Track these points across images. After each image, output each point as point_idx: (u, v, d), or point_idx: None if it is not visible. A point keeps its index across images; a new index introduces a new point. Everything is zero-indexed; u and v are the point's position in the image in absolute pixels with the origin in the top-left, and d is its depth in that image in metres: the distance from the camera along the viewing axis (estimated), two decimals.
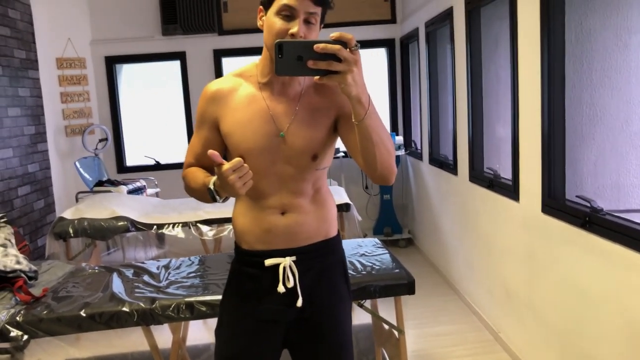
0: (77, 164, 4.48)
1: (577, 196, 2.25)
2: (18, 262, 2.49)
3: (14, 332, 2.17)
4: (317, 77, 1.16)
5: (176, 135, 5.37)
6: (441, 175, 4.12)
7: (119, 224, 3.48)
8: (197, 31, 5.09)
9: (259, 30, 1.38)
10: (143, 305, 2.27)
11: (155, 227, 3.52)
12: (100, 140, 4.90)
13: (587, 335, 2.16)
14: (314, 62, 1.13)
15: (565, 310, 2.32)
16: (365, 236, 4.79)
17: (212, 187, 1.32)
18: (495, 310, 3.16)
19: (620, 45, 2.16)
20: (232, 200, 1.60)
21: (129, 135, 5.43)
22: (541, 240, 2.51)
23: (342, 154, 5.04)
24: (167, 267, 2.75)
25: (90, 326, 2.24)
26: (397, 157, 5.06)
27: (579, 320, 2.22)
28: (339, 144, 1.48)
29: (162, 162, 5.36)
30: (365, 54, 5.24)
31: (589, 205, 2.13)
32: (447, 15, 3.70)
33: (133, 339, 2.91)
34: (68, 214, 3.57)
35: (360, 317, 2.97)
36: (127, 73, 5.43)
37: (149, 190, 4.74)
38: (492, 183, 3.07)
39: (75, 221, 3.48)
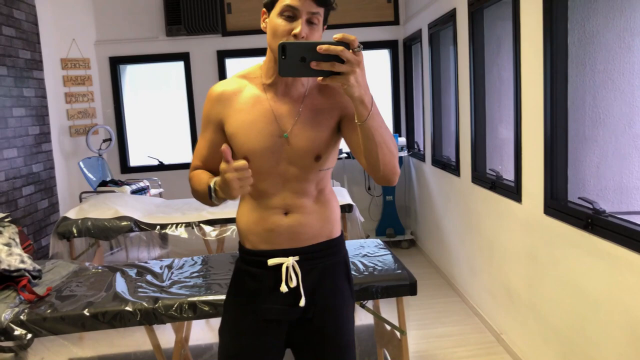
0: (81, 164, 4.50)
1: (579, 198, 2.25)
2: (22, 262, 2.50)
3: (18, 331, 2.18)
4: (320, 78, 1.17)
5: (180, 135, 5.39)
6: (444, 176, 4.12)
7: (123, 224, 3.50)
8: (200, 32, 5.11)
9: (262, 32, 1.39)
10: (146, 304, 2.28)
11: (158, 227, 3.53)
12: (104, 141, 4.92)
13: (590, 337, 2.16)
14: (317, 63, 1.14)
15: (568, 312, 2.32)
16: (367, 237, 4.80)
17: (212, 184, 1.33)
18: (497, 311, 3.16)
19: (624, 47, 2.17)
20: (237, 200, 1.61)
21: (133, 135, 5.45)
22: (543, 241, 2.51)
23: (344, 154, 5.05)
24: (170, 267, 2.76)
25: (93, 325, 2.25)
26: (400, 158, 5.06)
27: (581, 322, 2.22)
28: (342, 144, 1.49)
29: (166, 162, 5.38)
30: (368, 56, 5.25)
31: (591, 207, 2.13)
32: (450, 17, 3.70)
33: (136, 339, 2.93)
34: (72, 214, 3.58)
35: (362, 317, 2.97)
36: (131, 74, 5.45)
37: (153, 191, 4.76)
38: (495, 184, 3.07)
39: (79, 221, 3.49)
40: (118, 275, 2.64)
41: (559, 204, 2.36)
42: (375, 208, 5.38)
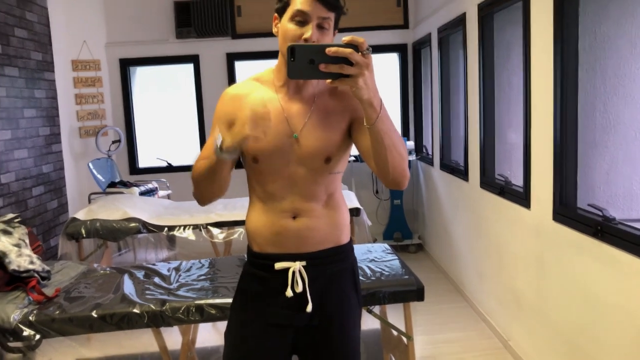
0: (90, 165, 4.53)
1: (589, 204, 2.23)
2: (32, 262, 2.52)
3: (27, 332, 2.20)
4: (329, 81, 1.17)
5: (188, 137, 5.41)
6: (452, 181, 4.11)
7: (131, 225, 3.52)
8: (210, 35, 5.13)
9: (272, 35, 1.40)
10: (153, 307, 2.29)
11: (166, 229, 3.55)
12: (114, 142, 4.95)
13: (598, 344, 2.14)
14: (325, 66, 1.14)
15: (576, 319, 2.31)
16: (375, 241, 4.79)
17: (220, 134, 1.28)
18: (505, 317, 3.14)
19: (635, 53, 2.15)
20: (245, 203, 1.61)
21: (142, 137, 5.48)
22: (552, 248, 2.49)
23: (352, 158, 5.04)
24: (177, 269, 2.77)
25: (101, 327, 2.26)
26: (408, 162, 5.04)
27: (589, 330, 2.21)
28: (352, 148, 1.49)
29: (174, 164, 5.40)
30: (377, 59, 5.24)
31: (601, 214, 2.11)
32: (459, 21, 3.69)
33: (143, 341, 2.93)
34: (81, 215, 3.61)
35: (368, 322, 2.96)
36: (141, 75, 5.48)
37: (161, 192, 4.77)
38: (503, 190, 3.05)
39: (88, 222, 3.52)
40: (126, 277, 2.66)
41: (568, 211, 2.34)
42: (383, 212, 5.37)
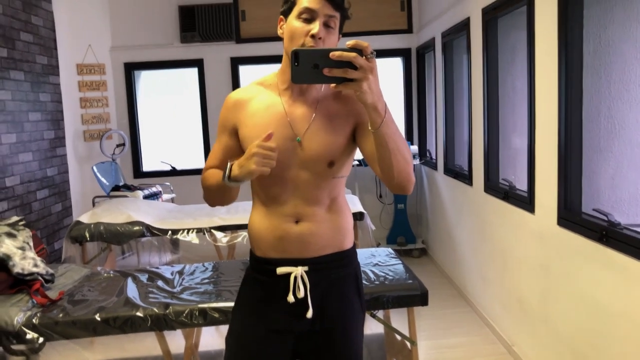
0: (94, 168, 4.55)
1: (594, 209, 2.22)
2: (36, 265, 2.53)
3: (30, 335, 2.20)
4: (333, 85, 1.17)
5: (193, 141, 5.42)
6: (456, 185, 4.10)
7: (135, 228, 3.52)
8: (215, 39, 5.15)
9: (276, 39, 1.41)
10: (157, 310, 2.29)
11: (170, 232, 3.55)
12: (118, 146, 4.96)
13: (603, 350, 2.13)
14: (329, 70, 1.14)
15: (581, 324, 2.29)
16: (378, 245, 4.78)
17: (230, 162, 1.34)
18: (509, 323, 3.13)
19: None
20: (248, 206, 1.61)
21: (146, 140, 5.49)
22: (557, 253, 2.48)
23: (356, 162, 5.04)
24: (181, 272, 2.77)
25: (104, 330, 2.26)
26: (413, 166, 5.04)
27: (594, 335, 2.19)
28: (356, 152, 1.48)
29: (178, 167, 5.41)
30: (381, 64, 5.25)
31: (606, 218, 2.10)
32: (463, 26, 3.70)
33: (146, 344, 2.94)
34: (85, 218, 3.61)
35: (372, 327, 2.95)
36: (145, 79, 5.50)
37: (165, 196, 4.78)
38: (508, 194, 3.05)
39: (92, 225, 3.52)
40: (129, 280, 2.66)
41: (573, 216, 2.33)
42: (386, 216, 5.37)
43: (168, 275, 2.73)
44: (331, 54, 1.13)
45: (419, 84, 5.33)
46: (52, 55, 4.25)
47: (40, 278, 2.51)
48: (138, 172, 5.44)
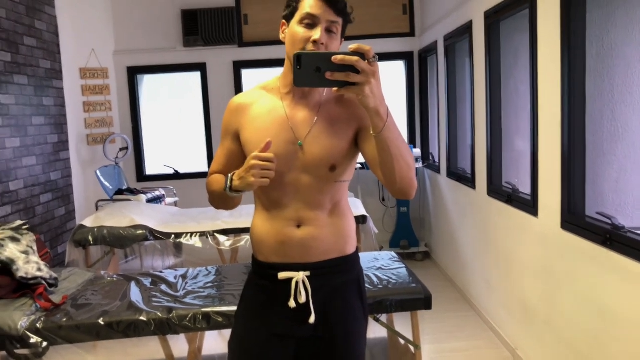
0: (97, 172, 4.55)
1: (597, 213, 2.22)
2: (39, 269, 2.53)
3: (34, 339, 2.20)
4: (335, 89, 1.17)
5: (195, 145, 5.43)
6: (459, 188, 4.10)
7: (138, 232, 3.52)
8: (217, 43, 5.16)
9: (278, 43, 1.41)
10: (160, 314, 2.29)
11: (173, 236, 3.55)
12: (121, 149, 4.97)
13: (607, 354, 2.12)
14: (331, 74, 1.14)
15: (585, 328, 2.28)
16: (381, 249, 4.78)
17: (230, 174, 1.35)
18: (513, 327, 3.12)
19: None
20: (251, 210, 1.61)
21: (149, 144, 5.50)
22: (560, 256, 2.48)
23: (359, 165, 5.04)
24: (184, 276, 2.77)
25: (108, 334, 2.26)
26: (415, 170, 5.04)
27: (599, 339, 2.18)
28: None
29: (181, 171, 5.42)
30: (383, 67, 5.25)
31: (610, 222, 2.10)
32: (466, 29, 3.70)
33: (149, 348, 2.93)
34: (88, 222, 3.62)
35: (376, 331, 2.95)
36: (148, 83, 5.51)
37: (168, 200, 4.79)
38: (511, 198, 3.04)
39: (95, 229, 3.53)
40: (133, 284, 2.66)
41: (576, 219, 2.33)
42: (389, 219, 5.36)
43: (171, 279, 2.73)
44: (333, 57, 1.13)
45: (421, 88, 5.33)
46: (56, 59, 4.26)
47: (43, 282, 2.51)
48: (141, 175, 5.45)
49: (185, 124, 5.50)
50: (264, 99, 1.45)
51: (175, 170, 5.40)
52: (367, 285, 2.39)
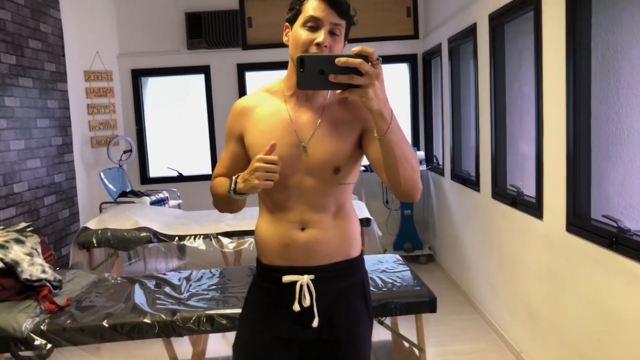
0: (101, 174, 4.56)
1: (603, 216, 2.21)
2: (44, 271, 2.53)
3: (38, 341, 2.21)
4: (338, 91, 1.16)
5: (199, 147, 5.44)
6: (463, 191, 4.09)
7: (142, 234, 3.53)
8: (221, 45, 5.17)
9: (282, 45, 1.41)
10: (164, 317, 2.29)
11: (176, 238, 3.56)
12: (125, 152, 4.98)
13: (613, 357, 2.11)
14: (335, 76, 1.13)
15: (590, 332, 2.27)
16: (385, 251, 4.77)
17: (234, 177, 1.35)
18: (517, 330, 3.11)
19: None
20: (255, 213, 1.61)
21: (153, 147, 5.51)
22: (565, 259, 2.47)
23: (362, 168, 5.02)
24: (188, 279, 2.77)
25: (112, 337, 2.26)
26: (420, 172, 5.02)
27: (604, 343, 2.17)
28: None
29: (185, 174, 5.42)
30: (387, 70, 5.25)
31: (615, 225, 2.09)
32: (470, 31, 3.69)
33: (153, 351, 2.93)
34: (92, 224, 3.63)
35: (380, 334, 2.94)
36: (152, 86, 5.52)
37: (172, 202, 4.79)
38: (516, 200, 3.03)
39: (99, 231, 3.53)
40: (137, 286, 2.66)
41: (581, 222, 2.32)
42: (393, 222, 5.35)
43: (175, 281, 2.73)
44: (337, 60, 1.12)
45: (425, 90, 5.32)
46: (60, 62, 4.28)
47: (48, 284, 2.51)
48: (145, 178, 5.45)
49: (189, 127, 5.50)
50: (268, 101, 1.44)
51: (179, 173, 5.41)
52: (371, 288, 2.38)
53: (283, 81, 1.47)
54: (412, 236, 5.15)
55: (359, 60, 1.12)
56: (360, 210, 3.82)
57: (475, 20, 3.59)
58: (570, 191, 2.39)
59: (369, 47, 1.13)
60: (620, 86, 2.21)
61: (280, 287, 1.42)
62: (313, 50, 1.31)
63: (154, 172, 5.51)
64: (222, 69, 5.29)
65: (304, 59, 1.16)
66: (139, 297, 2.51)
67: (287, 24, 1.40)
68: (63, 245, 4.15)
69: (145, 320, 2.27)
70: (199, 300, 2.44)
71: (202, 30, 5.11)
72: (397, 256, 2.94)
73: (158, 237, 3.56)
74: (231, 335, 3.23)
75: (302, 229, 1.41)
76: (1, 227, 2.76)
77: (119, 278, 2.84)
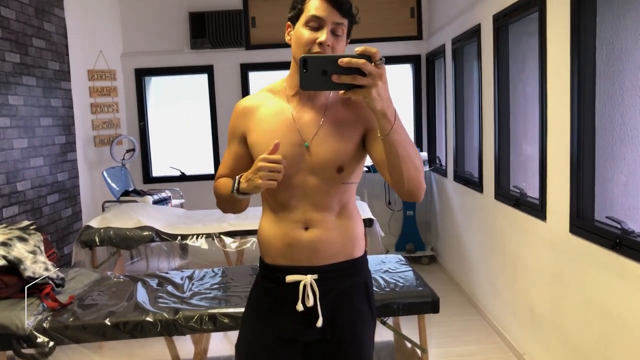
0: (104, 173, 4.57)
1: (607, 217, 2.20)
2: (46, 269, 2.54)
3: (41, 339, 2.21)
4: (342, 92, 1.16)
5: (202, 147, 5.44)
6: (466, 192, 4.08)
7: (144, 233, 3.53)
8: (225, 45, 5.17)
9: (285, 45, 1.41)
10: (166, 315, 2.29)
11: (179, 237, 3.56)
12: (128, 151, 4.99)
13: None
14: (338, 77, 1.13)
15: (593, 334, 2.27)
16: (387, 252, 4.76)
17: (238, 177, 1.34)
18: (519, 331, 3.10)
19: None
20: (257, 212, 1.61)
21: (156, 146, 5.52)
22: (569, 261, 2.46)
23: (365, 168, 5.03)
24: (190, 277, 2.77)
25: (114, 335, 2.27)
26: (423, 172, 5.02)
27: (607, 345, 2.17)
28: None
29: (188, 173, 5.43)
30: (390, 70, 5.24)
31: (619, 226, 2.08)
32: (474, 32, 3.69)
33: (155, 349, 2.93)
34: (94, 223, 3.63)
35: (382, 334, 2.93)
36: (155, 85, 5.53)
37: (174, 201, 4.79)
38: (519, 202, 3.03)
39: (102, 230, 3.54)
40: (139, 285, 2.66)
41: (585, 223, 2.31)
42: (395, 223, 5.35)
43: (178, 280, 2.73)
44: (340, 60, 1.12)
45: (428, 91, 5.32)
46: (64, 61, 4.28)
47: (50, 282, 2.52)
48: (148, 177, 5.46)
49: (191, 126, 5.51)
50: (270, 101, 1.44)
51: (181, 172, 5.41)
52: (374, 288, 2.38)
53: (285, 81, 1.47)
54: (415, 237, 5.14)
55: (362, 61, 1.11)
56: (363, 210, 3.82)
57: (480, 21, 3.58)
58: (573, 192, 2.38)
59: (372, 47, 1.13)
60: (624, 87, 2.20)
61: (283, 287, 1.42)
62: (315, 49, 1.31)
63: (156, 172, 5.52)
64: (226, 69, 5.30)
65: (306, 60, 1.16)
66: (142, 295, 2.51)
67: (289, 23, 1.40)
68: (66, 243, 4.16)
69: (148, 318, 2.27)
70: (201, 299, 2.44)
71: (206, 30, 5.12)
72: (400, 256, 2.93)
73: (160, 236, 3.56)
74: (233, 335, 3.23)
75: (306, 229, 1.41)
76: (4, 225, 2.77)
77: (121, 276, 2.84)
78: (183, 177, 5.41)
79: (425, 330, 2.43)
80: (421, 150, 5.38)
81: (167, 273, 2.87)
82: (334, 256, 1.43)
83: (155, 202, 4.43)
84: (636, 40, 2.15)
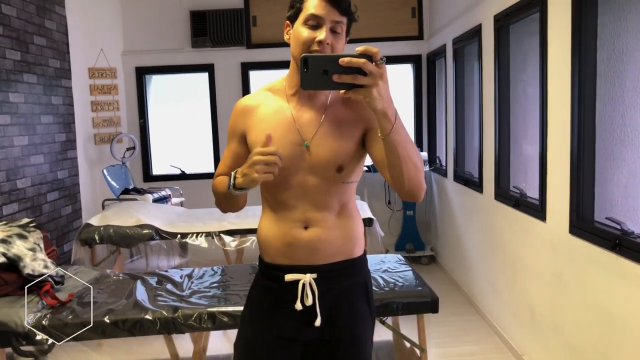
0: (104, 171, 4.57)
1: (607, 218, 2.20)
2: (46, 267, 2.54)
3: (40, 336, 2.21)
4: (342, 91, 1.16)
5: (202, 145, 5.44)
6: (466, 192, 4.08)
7: (144, 232, 3.53)
8: (226, 44, 5.17)
9: (286, 44, 1.40)
10: (166, 313, 2.29)
11: (179, 236, 3.56)
12: (128, 149, 4.99)
13: None
14: (339, 76, 1.13)
15: (593, 334, 2.27)
16: (387, 252, 4.76)
17: (234, 172, 1.33)
18: (519, 332, 3.10)
19: None
20: (257, 211, 1.61)
21: (156, 144, 5.52)
22: (568, 261, 2.46)
23: (365, 168, 5.03)
24: (190, 276, 2.77)
25: (113, 333, 2.27)
26: (424, 172, 5.02)
27: (606, 346, 2.17)
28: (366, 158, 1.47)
29: (188, 171, 5.43)
30: (391, 70, 5.24)
31: (619, 227, 2.08)
32: (475, 32, 3.69)
33: (154, 347, 2.93)
34: (94, 221, 3.63)
35: (381, 334, 2.93)
36: (156, 84, 5.53)
37: (174, 200, 4.80)
38: (519, 202, 3.03)
39: (101, 228, 3.54)
40: (139, 283, 2.66)
41: (585, 224, 2.31)
42: (395, 223, 5.35)
43: (177, 278, 2.73)
44: (340, 60, 1.11)
45: (429, 91, 5.32)
46: (65, 58, 4.28)
47: (50, 280, 2.52)
48: (148, 175, 5.46)
49: (192, 125, 5.51)
50: (270, 100, 1.44)
51: (181, 171, 5.41)
52: (373, 288, 2.38)
53: (285, 80, 1.46)
54: (414, 237, 5.14)
55: (362, 60, 1.11)
56: (363, 210, 3.82)
57: (481, 21, 3.58)
58: (573, 193, 2.38)
59: (373, 47, 1.13)
60: (625, 88, 2.20)
61: (282, 286, 1.42)
62: (315, 48, 1.31)
63: (156, 170, 5.52)
64: (226, 68, 5.30)
65: (307, 59, 1.15)
66: (141, 293, 2.51)
67: (287, 22, 1.40)
68: (65, 241, 4.16)
69: (147, 316, 2.27)
70: (201, 298, 2.44)
71: (207, 28, 5.12)
72: (399, 256, 2.93)
73: (160, 234, 3.56)
74: (232, 333, 3.23)
75: (305, 228, 1.41)
76: (4, 222, 2.77)
77: (120, 275, 2.84)
78: (183, 176, 5.41)
79: (424, 330, 2.43)
80: (421, 150, 5.38)
81: (166, 271, 2.87)
82: (334, 255, 1.43)
83: (155, 201, 4.43)
84: (637, 42, 2.15)
